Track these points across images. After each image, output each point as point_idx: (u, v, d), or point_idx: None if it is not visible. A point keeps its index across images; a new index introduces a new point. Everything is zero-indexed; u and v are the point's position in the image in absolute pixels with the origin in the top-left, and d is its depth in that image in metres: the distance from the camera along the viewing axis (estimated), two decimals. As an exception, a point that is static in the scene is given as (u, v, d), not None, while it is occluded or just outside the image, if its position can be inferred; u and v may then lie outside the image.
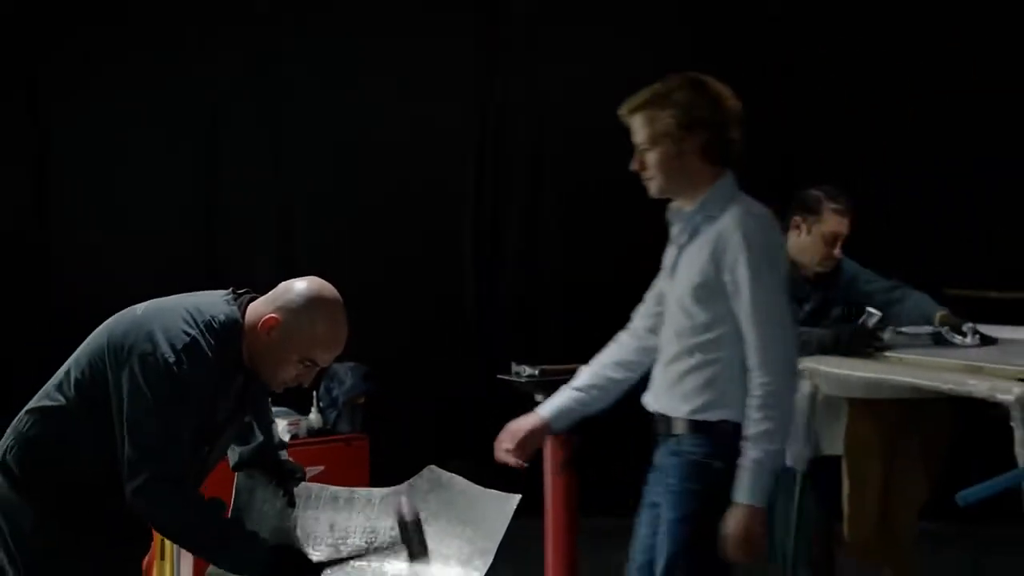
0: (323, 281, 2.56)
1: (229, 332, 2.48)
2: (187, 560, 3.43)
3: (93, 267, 5.75)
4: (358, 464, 3.98)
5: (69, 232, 5.91)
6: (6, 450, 2.49)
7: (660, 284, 2.88)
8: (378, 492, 2.78)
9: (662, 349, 2.79)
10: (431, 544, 2.69)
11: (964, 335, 3.71)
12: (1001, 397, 3.09)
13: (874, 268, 4.03)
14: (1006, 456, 3.34)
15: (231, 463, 2.74)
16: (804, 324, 3.75)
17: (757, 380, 2.61)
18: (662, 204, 2.86)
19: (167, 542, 3.38)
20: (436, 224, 5.57)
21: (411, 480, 2.79)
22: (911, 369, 3.46)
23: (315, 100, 5.68)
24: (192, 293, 2.58)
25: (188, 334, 2.41)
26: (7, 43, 5.56)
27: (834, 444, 3.60)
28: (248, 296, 2.55)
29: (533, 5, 5.75)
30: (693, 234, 2.76)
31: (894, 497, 3.71)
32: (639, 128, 2.74)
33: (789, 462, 3.47)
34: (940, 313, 3.82)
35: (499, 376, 3.74)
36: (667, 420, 2.75)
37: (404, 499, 2.69)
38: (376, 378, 4.11)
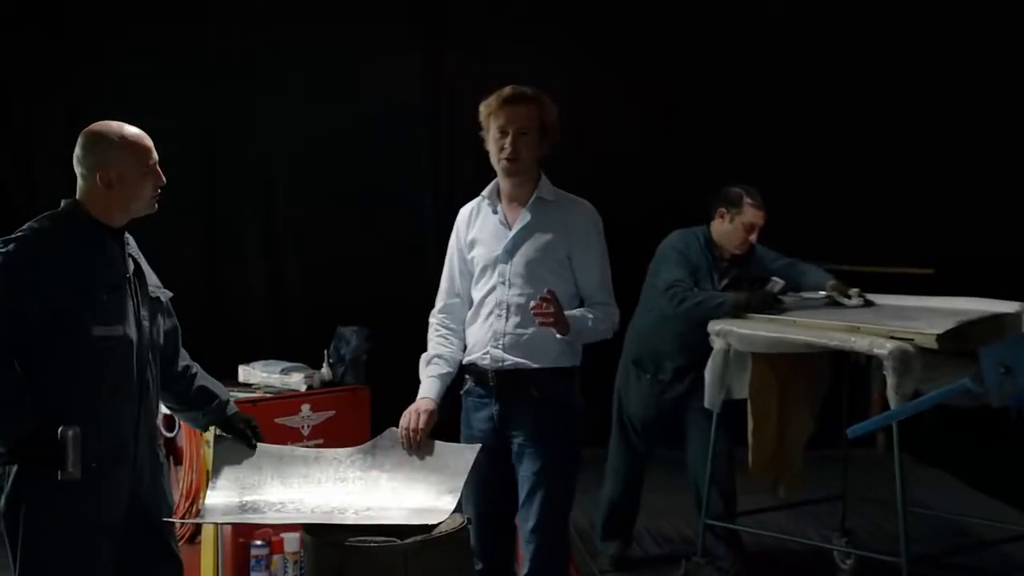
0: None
1: (65, 214, 2.60)
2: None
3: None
4: (361, 410, 4.19)
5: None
6: None
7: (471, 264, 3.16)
8: (343, 451, 2.96)
9: (517, 312, 3.04)
10: (398, 486, 2.87)
11: (850, 298, 4.10)
12: (878, 351, 3.52)
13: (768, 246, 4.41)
14: (863, 399, 3.96)
15: (199, 426, 2.98)
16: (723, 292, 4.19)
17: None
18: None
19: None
20: (403, 203, 6.08)
21: (374, 440, 2.98)
22: (804, 329, 3.82)
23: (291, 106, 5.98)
24: None
25: (19, 232, 2.55)
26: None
27: (742, 390, 4.01)
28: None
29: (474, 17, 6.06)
30: (537, 215, 3.09)
31: (787, 431, 4.16)
32: (526, 115, 3.02)
33: (707, 404, 4.06)
34: (831, 282, 4.22)
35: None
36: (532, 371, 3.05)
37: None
38: (376, 339, 4.33)
